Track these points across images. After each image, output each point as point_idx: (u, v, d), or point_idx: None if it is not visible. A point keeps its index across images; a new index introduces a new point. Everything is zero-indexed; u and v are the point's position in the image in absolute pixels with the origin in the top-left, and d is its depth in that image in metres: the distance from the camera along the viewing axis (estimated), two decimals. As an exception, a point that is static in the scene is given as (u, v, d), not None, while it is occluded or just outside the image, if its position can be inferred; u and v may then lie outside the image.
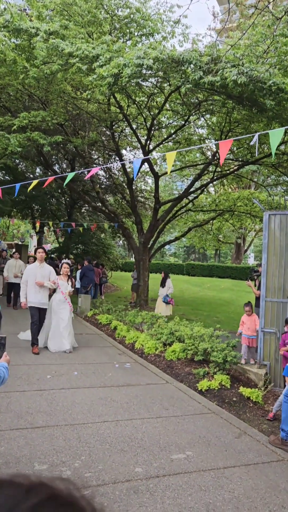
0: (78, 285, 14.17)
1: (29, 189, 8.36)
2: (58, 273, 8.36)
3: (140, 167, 15.79)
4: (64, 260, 9.11)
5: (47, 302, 7.85)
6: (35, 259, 8.58)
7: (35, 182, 7.89)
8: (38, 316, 7.66)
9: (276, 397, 5.95)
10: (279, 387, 6.27)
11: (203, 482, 3.43)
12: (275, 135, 3.68)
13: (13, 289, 12.38)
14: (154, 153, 14.32)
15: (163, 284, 12.43)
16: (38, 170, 21.34)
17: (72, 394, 5.39)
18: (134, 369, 6.87)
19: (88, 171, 14.71)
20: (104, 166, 16.28)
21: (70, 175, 6.85)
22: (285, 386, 4.95)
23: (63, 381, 5.92)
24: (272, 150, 3.80)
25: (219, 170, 14.78)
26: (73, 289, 8.58)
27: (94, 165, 15.99)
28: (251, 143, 4.28)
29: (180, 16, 11.00)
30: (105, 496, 3.11)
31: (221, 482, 3.45)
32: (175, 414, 4.92)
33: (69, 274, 8.29)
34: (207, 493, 3.27)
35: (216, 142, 6.87)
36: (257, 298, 8.21)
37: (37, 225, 20.54)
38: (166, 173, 17.27)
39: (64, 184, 8.13)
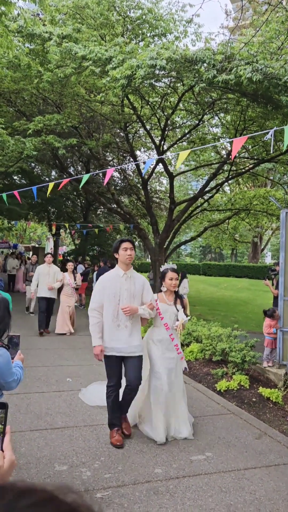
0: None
1: (48, 193, 8.47)
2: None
3: (155, 167, 15.79)
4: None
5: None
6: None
7: (51, 185, 7.95)
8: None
9: (296, 397, 5.87)
10: (299, 387, 6.18)
11: (224, 483, 3.40)
12: (291, 131, 3.65)
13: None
14: (168, 153, 14.30)
15: (179, 284, 12.41)
16: (53, 173, 21.53)
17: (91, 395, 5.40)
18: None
19: (104, 174, 14.76)
20: (119, 167, 16.32)
21: (85, 177, 6.88)
22: None
23: (82, 382, 5.94)
24: (285, 144, 3.76)
25: (234, 169, 14.67)
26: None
27: (109, 167, 16.05)
28: (266, 138, 4.24)
29: (192, 15, 10.95)
30: (125, 497, 3.11)
31: (241, 483, 3.41)
32: (194, 415, 4.89)
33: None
34: (227, 494, 3.24)
35: (230, 140, 6.82)
36: (275, 298, 8.11)
37: (53, 227, 20.72)
38: (181, 173, 17.23)
39: (80, 186, 8.17)
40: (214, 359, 6.74)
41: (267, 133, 4.07)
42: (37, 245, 30.56)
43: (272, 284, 8.57)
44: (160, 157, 11.05)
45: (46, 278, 9.38)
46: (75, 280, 10.13)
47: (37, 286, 9.39)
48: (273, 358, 6.65)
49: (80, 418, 4.62)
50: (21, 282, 16.96)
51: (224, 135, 14.57)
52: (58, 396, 5.29)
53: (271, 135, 3.98)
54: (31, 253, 23.78)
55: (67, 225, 16.72)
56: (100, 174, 16.74)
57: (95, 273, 14.55)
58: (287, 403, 5.68)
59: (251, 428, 4.61)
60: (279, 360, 6.63)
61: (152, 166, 15.00)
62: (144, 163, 17.96)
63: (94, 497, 3.08)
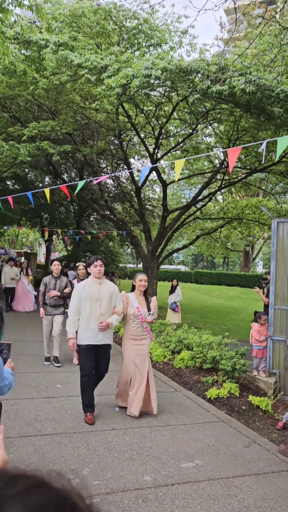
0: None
1: (48, 199, 8.50)
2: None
3: (148, 175, 15.88)
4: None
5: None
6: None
7: (47, 191, 7.96)
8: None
9: (285, 406, 5.90)
10: (288, 396, 6.22)
11: (213, 491, 3.41)
12: (283, 142, 3.71)
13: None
14: (162, 161, 14.39)
15: (172, 291, 12.46)
16: (47, 179, 21.53)
17: (81, 401, 5.38)
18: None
19: (97, 179, 14.81)
20: (113, 175, 16.38)
21: (80, 184, 6.90)
22: None
23: (72, 388, 5.92)
24: (277, 155, 3.83)
25: (227, 178, 14.80)
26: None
27: (103, 174, 16.11)
28: (259, 150, 4.31)
29: (188, 26, 11.09)
30: (113, 504, 3.10)
31: (230, 491, 3.42)
32: (184, 422, 4.90)
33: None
34: (216, 502, 3.25)
35: (224, 150, 6.91)
36: (266, 306, 8.17)
37: (46, 233, 20.68)
38: (174, 181, 17.34)
39: (75, 193, 8.20)
40: (204, 367, 6.76)
41: (261, 144, 4.14)
42: (29, 251, 30.46)
43: (263, 293, 8.64)
44: (154, 165, 11.12)
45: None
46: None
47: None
48: (262, 368, 6.67)
49: (70, 424, 4.60)
50: (25, 300, 13.80)
51: (218, 145, 14.72)
52: (47, 402, 5.26)
53: (264, 146, 4.04)
54: (22, 258, 23.67)
55: (59, 231, 16.69)
56: (94, 181, 16.80)
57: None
58: (277, 412, 5.71)
59: (241, 436, 4.62)
60: (269, 368, 6.67)
61: (146, 174, 15.08)
62: (139, 171, 18.07)
63: (83, 504, 3.07)
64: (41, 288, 7.37)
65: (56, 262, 7.86)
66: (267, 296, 7.89)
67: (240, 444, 4.41)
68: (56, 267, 7.64)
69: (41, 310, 7.25)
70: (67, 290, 7.53)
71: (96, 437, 4.31)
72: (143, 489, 3.34)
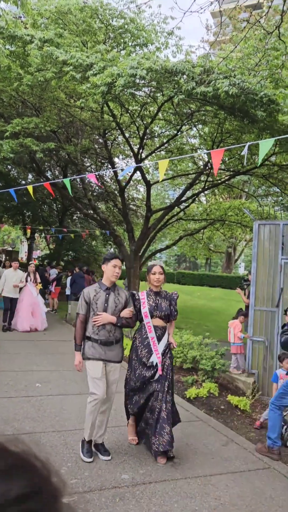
0: (68, 292, 14.14)
1: (32, 196, 8.40)
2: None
3: (132, 176, 15.88)
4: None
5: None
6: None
7: (30, 188, 7.89)
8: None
9: (263, 405, 5.98)
10: (266, 395, 6.30)
11: (189, 489, 3.43)
12: (265, 145, 3.76)
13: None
14: (146, 161, 14.41)
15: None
16: (30, 176, 21.33)
17: (61, 400, 5.36)
18: (122, 376, 6.84)
19: (82, 179, 14.69)
20: (97, 173, 16.33)
21: (67, 182, 6.88)
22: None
23: (51, 387, 5.88)
24: (259, 158, 3.89)
25: (211, 179, 14.91)
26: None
27: (87, 172, 16.02)
28: (242, 153, 4.36)
29: (173, 28, 11.13)
30: (91, 503, 3.09)
31: (207, 489, 3.45)
32: (163, 421, 4.91)
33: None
34: (193, 500, 3.27)
35: (208, 151, 6.98)
36: (247, 307, 8.25)
37: (28, 231, 20.49)
38: (158, 181, 17.38)
39: (70, 192, 8.20)
40: (184, 367, 6.80)
41: (243, 147, 4.19)
42: (10, 248, 30.09)
43: (244, 294, 8.73)
44: (138, 165, 11.13)
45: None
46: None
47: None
48: (242, 367, 6.77)
49: (48, 423, 4.57)
50: (32, 316, 10.43)
51: (202, 146, 14.82)
52: (26, 401, 5.21)
53: (247, 149, 4.09)
54: (3, 256, 23.36)
55: (41, 228, 16.54)
56: (78, 180, 16.70)
57: (68, 278, 14.46)
58: (255, 411, 5.78)
59: (219, 435, 4.66)
60: (248, 368, 6.75)
61: (129, 174, 15.09)
62: (122, 170, 18.04)
63: (59, 503, 3.05)
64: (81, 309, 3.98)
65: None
66: (249, 297, 7.98)
67: (218, 443, 4.45)
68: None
69: (78, 356, 3.95)
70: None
71: (74, 436, 4.29)
72: (121, 487, 3.35)
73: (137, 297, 4.19)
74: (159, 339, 4.10)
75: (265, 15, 7.15)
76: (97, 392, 3.81)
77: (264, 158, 11.87)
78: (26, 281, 10.44)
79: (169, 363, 4.12)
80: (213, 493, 3.40)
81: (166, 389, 4.03)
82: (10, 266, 11.01)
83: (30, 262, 11.13)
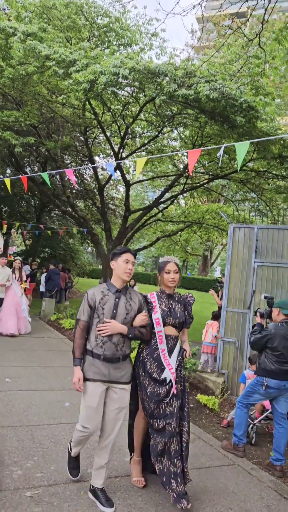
0: (42, 289, 14.02)
1: (9, 189, 8.28)
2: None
3: (112, 175, 15.86)
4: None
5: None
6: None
7: (7, 181, 7.80)
8: None
9: (231, 405, 6.08)
10: (235, 395, 6.41)
11: (155, 484, 3.47)
12: (241, 148, 3.85)
13: None
14: (126, 159, 14.43)
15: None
16: (8, 171, 21.03)
17: (30, 396, 5.33)
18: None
19: (60, 174, 14.58)
20: (76, 169, 16.25)
21: (45, 175, 6.82)
22: None
23: (21, 383, 5.83)
24: (238, 163, 3.97)
25: (190, 182, 15.06)
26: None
27: (67, 168, 15.90)
28: (218, 155, 4.46)
29: (155, 28, 11.22)
30: (55, 496, 3.10)
31: (172, 484, 3.49)
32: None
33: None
34: (157, 494, 3.31)
35: (186, 151, 7.09)
36: (220, 308, 8.37)
37: (4, 226, 20.18)
38: (138, 181, 17.44)
39: (49, 185, 8.17)
40: (156, 365, 6.83)
41: (219, 148, 4.28)
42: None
43: (218, 296, 8.85)
44: (118, 161, 11.13)
45: None
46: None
47: None
48: (211, 367, 6.89)
49: (16, 418, 4.53)
50: (14, 318, 9.35)
51: (182, 149, 14.96)
52: (-5, 396, 5.16)
53: (222, 151, 4.18)
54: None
55: (17, 224, 16.35)
56: (58, 177, 16.56)
57: (43, 275, 14.33)
58: (223, 410, 5.88)
59: (186, 433, 4.72)
60: (218, 368, 6.85)
61: (109, 173, 15.08)
62: (103, 168, 17.98)
63: (24, 495, 3.05)
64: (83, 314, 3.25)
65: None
66: (221, 298, 8.10)
67: (185, 440, 4.50)
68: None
69: (77, 372, 3.15)
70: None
71: (42, 431, 4.27)
72: (86, 481, 3.36)
73: (148, 300, 3.42)
74: (170, 351, 3.36)
75: (245, 22, 7.29)
76: (89, 426, 3.08)
77: (242, 163, 12.09)
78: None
79: (184, 378, 3.47)
80: (178, 487, 3.44)
81: (186, 412, 3.37)
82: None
83: (15, 258, 9.95)
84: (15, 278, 9.59)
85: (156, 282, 31.13)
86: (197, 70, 8.36)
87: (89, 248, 32.75)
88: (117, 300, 3.16)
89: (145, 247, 18.20)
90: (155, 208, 16.07)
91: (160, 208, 16.52)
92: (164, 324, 3.38)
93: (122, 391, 3.16)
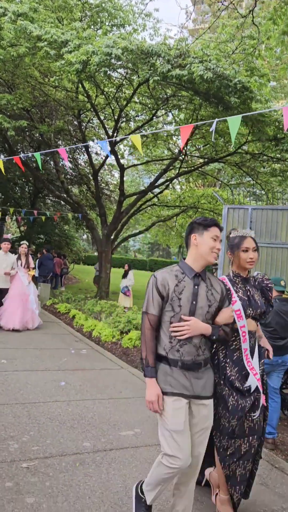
0: (36, 274, 14.03)
1: (3, 170, 8.26)
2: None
3: (106, 159, 15.76)
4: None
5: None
6: None
7: (0, 163, 7.75)
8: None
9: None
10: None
11: (149, 455, 3.53)
12: (233, 122, 3.85)
13: None
14: (117, 137, 14.32)
15: (125, 276, 12.55)
16: (2, 157, 20.83)
17: (26, 376, 5.37)
18: (90, 355, 6.91)
19: (56, 160, 14.45)
20: (70, 147, 16.13)
21: (37, 155, 6.79)
22: None
23: (17, 364, 5.87)
24: (232, 137, 3.98)
25: (185, 166, 15.00)
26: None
27: (61, 155, 15.77)
28: (211, 129, 4.44)
29: (146, 1, 11.00)
30: (51, 467, 3.14)
31: (166, 456, 3.56)
32: (127, 396, 5.01)
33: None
34: (151, 465, 3.36)
35: (177, 127, 7.05)
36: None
37: (-1, 213, 20.08)
38: (132, 166, 17.33)
39: (40, 167, 8.11)
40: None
41: (212, 123, 4.27)
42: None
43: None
44: (110, 139, 11.02)
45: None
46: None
47: None
48: None
49: (12, 396, 4.57)
50: (22, 310, 8.26)
51: (177, 132, 14.86)
52: (-9, 376, 5.19)
53: (215, 125, 4.17)
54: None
55: (11, 210, 16.27)
56: (52, 162, 16.44)
57: (37, 261, 14.33)
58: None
59: (181, 409, 4.78)
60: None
61: (103, 157, 15.00)
62: (97, 153, 17.80)
63: (20, 467, 3.09)
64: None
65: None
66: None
67: (179, 415, 4.57)
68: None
69: (153, 386, 2.35)
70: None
71: (38, 408, 4.32)
72: (82, 453, 3.41)
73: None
74: (251, 352, 2.67)
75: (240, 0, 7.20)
76: (180, 456, 2.24)
77: (237, 145, 12.04)
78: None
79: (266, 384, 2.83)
80: (172, 459, 3.51)
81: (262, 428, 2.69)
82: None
83: (21, 243, 8.77)
84: (21, 265, 8.50)
85: (152, 268, 31.21)
86: (191, 50, 8.26)
87: (85, 235, 32.67)
88: (196, 287, 2.36)
89: (140, 232, 18.21)
90: (150, 193, 16.03)
91: (155, 193, 16.48)
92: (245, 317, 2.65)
93: (206, 407, 2.40)
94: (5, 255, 8.28)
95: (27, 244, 8.93)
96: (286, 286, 4.52)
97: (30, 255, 8.91)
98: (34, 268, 9.62)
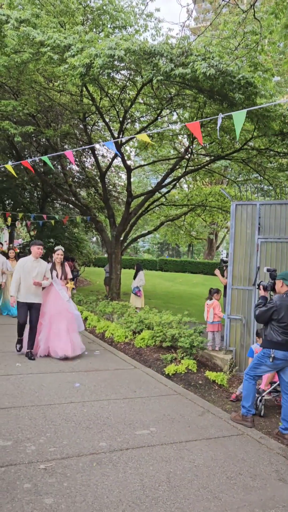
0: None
1: (13, 172, 8.32)
2: None
3: (112, 161, 15.81)
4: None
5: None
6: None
7: (9, 167, 7.84)
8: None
9: (240, 380, 6.13)
10: (243, 371, 6.46)
11: (165, 454, 3.54)
12: (238, 117, 3.86)
13: None
14: (123, 138, 14.34)
15: (135, 276, 12.57)
16: (10, 163, 21.00)
17: (40, 378, 5.41)
18: (103, 356, 6.94)
19: (64, 164, 14.53)
20: (76, 150, 16.21)
21: (45, 159, 6.84)
22: None
23: (31, 366, 5.93)
24: (237, 132, 3.99)
25: (191, 164, 14.97)
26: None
27: (67, 158, 15.85)
28: (218, 125, 4.44)
29: (146, 1, 10.97)
30: (68, 468, 3.17)
31: (182, 454, 3.57)
32: (142, 395, 5.02)
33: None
34: (168, 463, 3.38)
35: (184, 124, 7.06)
36: (225, 287, 8.38)
37: (9, 219, 20.22)
38: (139, 166, 17.36)
39: (50, 165, 8.13)
40: (164, 345, 6.91)
41: (217, 118, 4.29)
42: (-9, 237, 29.73)
43: (222, 275, 8.85)
44: (115, 139, 11.04)
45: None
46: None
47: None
48: (218, 345, 6.97)
49: (28, 399, 4.62)
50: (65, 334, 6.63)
51: (182, 132, 14.85)
52: (6, 379, 5.25)
53: (220, 120, 4.19)
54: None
55: (21, 215, 16.40)
56: (59, 167, 16.53)
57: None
58: (232, 386, 5.94)
59: (196, 407, 4.79)
60: (225, 346, 6.90)
61: (109, 159, 15.05)
62: (103, 156, 17.85)
63: (38, 468, 3.13)
64: None
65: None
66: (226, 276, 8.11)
67: (194, 413, 4.57)
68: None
69: None
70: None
71: (54, 409, 4.35)
72: (98, 453, 3.43)
73: None
74: None
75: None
76: None
77: (242, 141, 11.99)
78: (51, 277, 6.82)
79: None
80: (188, 457, 3.52)
81: None
82: (18, 256, 8.25)
83: (56, 248, 7.09)
84: (57, 276, 6.86)
85: (163, 267, 31.16)
86: (193, 48, 8.25)
87: (94, 237, 32.76)
88: None
89: (149, 232, 18.21)
90: (157, 193, 16.03)
91: (163, 192, 16.48)
92: None
93: None
94: (36, 261, 6.56)
95: (63, 249, 7.22)
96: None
97: (66, 263, 7.30)
98: (73, 280, 8.05)
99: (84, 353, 6.88)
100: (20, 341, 6.69)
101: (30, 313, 6.50)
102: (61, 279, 6.93)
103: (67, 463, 3.25)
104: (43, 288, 6.69)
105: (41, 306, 6.60)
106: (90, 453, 3.44)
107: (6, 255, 10.95)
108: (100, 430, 3.90)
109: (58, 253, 7.03)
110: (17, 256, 11.25)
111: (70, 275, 7.16)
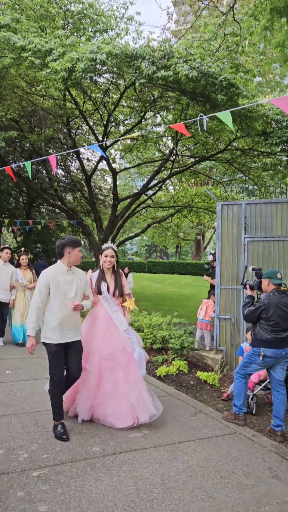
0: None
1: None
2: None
3: (97, 164, 15.81)
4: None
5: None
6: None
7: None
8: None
9: (231, 379, 6.16)
10: (234, 370, 6.49)
11: (159, 456, 3.54)
12: (224, 116, 3.96)
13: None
14: (107, 141, 14.34)
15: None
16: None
17: (31, 385, 5.37)
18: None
19: (48, 168, 14.44)
20: (60, 154, 16.15)
21: (27, 164, 6.81)
22: None
23: (21, 373, 5.88)
24: (230, 126, 4.11)
25: (177, 166, 15.03)
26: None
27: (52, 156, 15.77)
28: (204, 124, 4.48)
29: (127, 5, 11.01)
30: (62, 474, 3.15)
31: (176, 455, 3.57)
32: (134, 398, 5.00)
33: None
34: (162, 465, 3.38)
35: (167, 125, 7.10)
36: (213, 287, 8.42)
37: (-6, 225, 20.06)
38: (124, 169, 17.38)
39: (30, 175, 8.08)
40: (155, 347, 6.91)
41: (202, 119, 4.33)
42: (-23, 244, 29.42)
43: (213, 278, 8.89)
44: (100, 143, 11.04)
45: None
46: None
47: None
48: (208, 345, 7.01)
49: (19, 406, 4.57)
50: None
51: (166, 134, 14.90)
52: (-4, 387, 5.19)
53: (205, 120, 4.23)
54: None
55: (6, 221, 16.27)
56: (44, 172, 16.46)
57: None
58: (223, 385, 5.96)
59: (188, 408, 4.80)
60: (216, 346, 6.93)
61: (95, 163, 15.03)
62: (88, 159, 17.82)
63: (31, 476, 3.10)
64: None
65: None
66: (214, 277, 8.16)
67: (187, 414, 4.58)
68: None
69: None
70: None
71: (45, 416, 4.32)
72: (91, 458, 3.42)
73: None
74: None
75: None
76: None
77: (226, 141, 12.09)
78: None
79: None
80: (181, 457, 3.52)
81: None
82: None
83: (105, 246, 4.66)
84: (108, 290, 4.47)
85: (151, 269, 31.19)
86: (175, 51, 8.30)
87: (82, 241, 32.66)
88: None
89: (136, 235, 18.23)
90: (144, 196, 16.05)
91: (149, 195, 16.51)
92: None
93: None
94: (71, 272, 4.18)
95: (115, 248, 4.81)
96: (282, 278, 4.54)
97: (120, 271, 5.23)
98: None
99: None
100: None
101: (67, 360, 3.99)
102: (113, 295, 4.46)
103: (60, 469, 3.23)
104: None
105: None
106: (83, 458, 3.42)
107: (12, 262, 8.70)
108: (93, 435, 3.88)
109: (107, 254, 4.51)
110: (32, 265, 9.38)
111: (128, 290, 4.76)
